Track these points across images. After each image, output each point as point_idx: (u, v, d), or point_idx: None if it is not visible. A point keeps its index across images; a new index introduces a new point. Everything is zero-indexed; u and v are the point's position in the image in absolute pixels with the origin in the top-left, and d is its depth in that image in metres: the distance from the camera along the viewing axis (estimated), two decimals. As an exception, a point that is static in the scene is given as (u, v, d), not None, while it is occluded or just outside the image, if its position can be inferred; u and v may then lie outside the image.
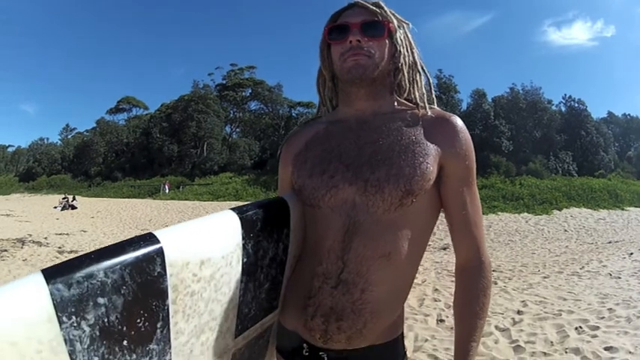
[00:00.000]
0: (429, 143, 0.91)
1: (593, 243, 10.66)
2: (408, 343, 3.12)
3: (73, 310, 0.61)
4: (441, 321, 3.66)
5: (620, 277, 5.68)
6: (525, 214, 15.28)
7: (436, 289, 4.71)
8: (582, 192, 18.96)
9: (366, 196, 0.88)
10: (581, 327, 3.53)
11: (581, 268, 6.60)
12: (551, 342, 3.23)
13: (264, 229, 0.92)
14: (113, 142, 46.93)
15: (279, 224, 0.96)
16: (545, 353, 3.00)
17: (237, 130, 46.47)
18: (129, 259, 0.68)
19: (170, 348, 0.79)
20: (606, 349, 3.05)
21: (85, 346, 0.64)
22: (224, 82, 46.46)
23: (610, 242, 10.63)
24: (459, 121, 0.94)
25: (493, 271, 6.32)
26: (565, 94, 40.20)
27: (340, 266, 0.89)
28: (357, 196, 0.89)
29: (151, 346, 0.75)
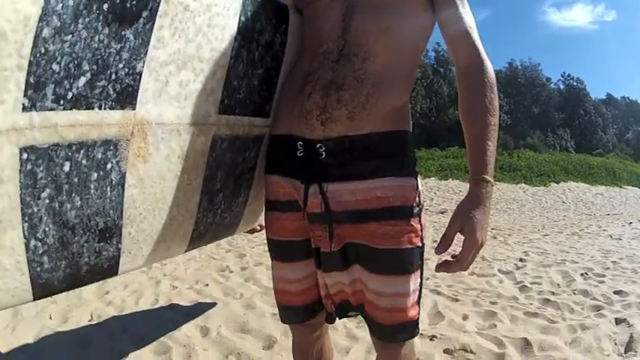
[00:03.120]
0: None
1: (592, 214, 10.57)
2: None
3: None
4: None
5: (621, 239, 5.55)
6: (523, 184, 15.10)
7: (435, 240, 4.56)
8: (580, 167, 18.76)
9: None
10: (587, 273, 3.38)
11: (580, 230, 6.48)
12: (558, 284, 3.07)
13: (264, 6, 0.93)
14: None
15: (278, 15, 0.97)
16: (553, 292, 2.83)
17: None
18: None
19: (146, 55, 0.75)
20: (616, 292, 2.90)
21: None
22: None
23: (608, 214, 10.55)
24: None
25: (492, 229, 6.21)
26: (564, 72, 39.85)
27: (341, 43, 0.91)
28: None
29: (128, 34, 0.71)
